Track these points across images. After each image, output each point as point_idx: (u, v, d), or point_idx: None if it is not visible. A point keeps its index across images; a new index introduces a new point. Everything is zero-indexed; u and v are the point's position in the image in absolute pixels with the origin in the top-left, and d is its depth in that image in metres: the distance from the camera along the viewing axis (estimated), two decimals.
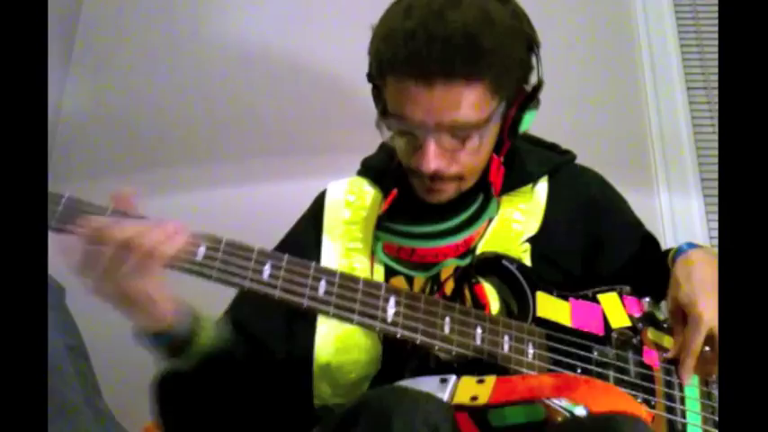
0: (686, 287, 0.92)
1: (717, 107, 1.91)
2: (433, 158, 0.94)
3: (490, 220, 1.04)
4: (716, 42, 1.78)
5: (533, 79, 1.02)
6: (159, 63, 2.03)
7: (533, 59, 1.01)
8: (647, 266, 1.07)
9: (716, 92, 1.94)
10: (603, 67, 2.00)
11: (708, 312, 0.88)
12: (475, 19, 0.91)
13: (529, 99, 1.00)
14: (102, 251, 0.78)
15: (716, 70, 1.93)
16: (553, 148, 1.19)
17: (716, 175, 1.76)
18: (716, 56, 1.91)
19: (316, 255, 1.07)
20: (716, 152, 1.81)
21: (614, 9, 2.06)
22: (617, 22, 2.05)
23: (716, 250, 1.00)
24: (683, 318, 0.92)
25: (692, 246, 1.00)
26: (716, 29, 1.83)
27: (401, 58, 0.91)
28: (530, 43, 1.00)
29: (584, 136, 1.84)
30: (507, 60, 0.94)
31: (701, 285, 0.91)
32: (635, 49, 2.02)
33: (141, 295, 0.81)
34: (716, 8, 1.77)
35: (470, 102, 0.91)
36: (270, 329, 1.02)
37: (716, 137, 1.90)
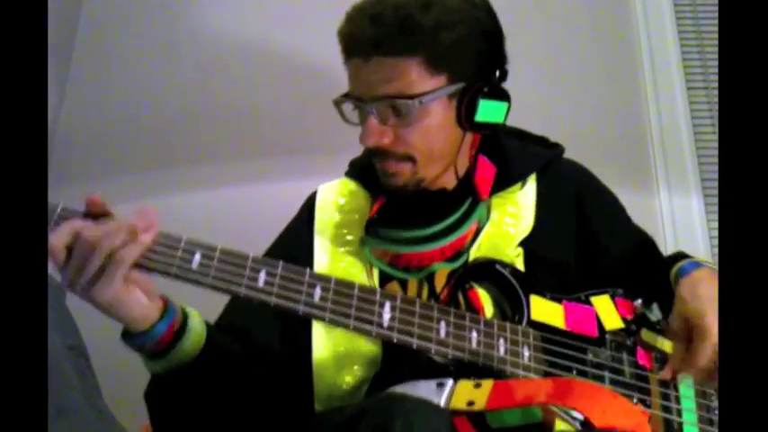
0: (693, 303, 0.92)
1: (717, 107, 1.91)
2: (372, 132, 0.97)
3: (479, 223, 1.04)
4: (716, 42, 1.80)
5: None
6: (159, 63, 2.03)
7: (493, 48, 1.02)
8: (644, 269, 1.07)
9: (716, 92, 1.94)
10: (603, 67, 2.00)
11: (716, 326, 0.88)
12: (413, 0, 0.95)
13: (485, 86, 0.99)
14: (80, 247, 0.78)
15: (716, 70, 1.94)
16: (541, 141, 1.18)
17: (716, 175, 1.77)
18: (716, 56, 1.93)
19: (308, 257, 1.07)
20: (716, 152, 1.81)
21: (614, 9, 2.06)
22: (617, 22, 2.05)
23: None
24: (687, 334, 0.92)
25: (695, 265, 1.00)
26: (716, 29, 1.84)
27: (343, 38, 0.99)
28: (485, 30, 1.00)
29: (584, 136, 1.84)
30: (444, 39, 0.94)
31: (708, 302, 0.90)
32: (635, 49, 2.01)
33: (110, 300, 0.80)
34: (716, 8, 1.77)
35: (403, 76, 0.94)
36: (267, 332, 1.02)
37: (716, 137, 1.90)
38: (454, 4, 0.97)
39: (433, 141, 1.00)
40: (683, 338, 0.92)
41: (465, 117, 0.99)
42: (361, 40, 0.96)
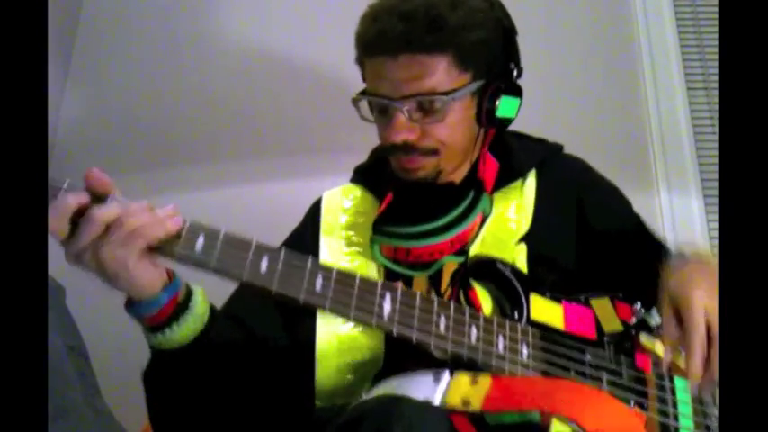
0: (675, 278, 0.89)
1: (717, 107, 1.91)
2: (400, 129, 0.99)
3: (483, 215, 1.05)
4: (716, 42, 1.79)
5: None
6: (159, 64, 2.03)
7: (510, 46, 1.06)
8: (640, 254, 1.07)
9: (716, 92, 1.94)
10: (603, 67, 2.00)
11: (699, 298, 0.84)
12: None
13: (504, 83, 1.03)
14: (90, 226, 0.77)
15: (716, 70, 1.94)
16: (541, 143, 1.20)
17: (716, 175, 1.78)
18: (716, 56, 1.93)
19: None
20: (716, 152, 1.81)
21: (614, 9, 2.06)
22: (617, 22, 2.05)
23: (708, 252, 0.98)
24: (677, 322, 0.88)
25: (680, 256, 0.98)
26: (716, 29, 1.84)
27: (371, 37, 1.00)
28: (504, 29, 1.05)
29: (584, 136, 1.84)
30: (472, 38, 0.99)
31: (689, 276, 0.88)
32: (635, 49, 2.02)
33: (120, 267, 0.79)
34: (716, 8, 1.77)
35: (434, 73, 0.97)
36: (270, 324, 1.02)
37: (716, 137, 1.90)
38: (477, 4, 1.02)
39: (457, 136, 1.03)
40: (672, 324, 0.87)
41: (485, 113, 1.03)
42: (391, 38, 0.97)
